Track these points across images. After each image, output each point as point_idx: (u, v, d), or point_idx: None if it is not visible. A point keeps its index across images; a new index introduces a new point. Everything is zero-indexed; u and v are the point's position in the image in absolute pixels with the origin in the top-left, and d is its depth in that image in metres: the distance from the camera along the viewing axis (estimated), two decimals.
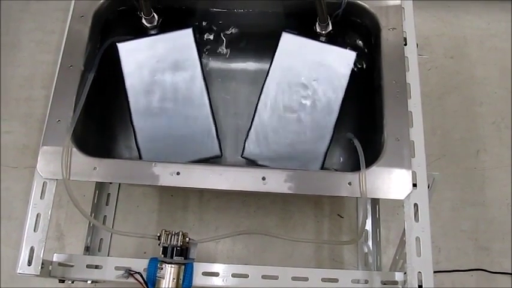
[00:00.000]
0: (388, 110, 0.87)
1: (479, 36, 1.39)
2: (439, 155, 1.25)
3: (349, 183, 0.81)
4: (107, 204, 1.19)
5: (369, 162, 0.83)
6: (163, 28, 1.00)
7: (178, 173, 0.82)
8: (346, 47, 0.98)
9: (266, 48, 1.04)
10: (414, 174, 0.83)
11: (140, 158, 0.96)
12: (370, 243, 1.15)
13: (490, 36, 1.39)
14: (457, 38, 1.39)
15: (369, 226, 1.16)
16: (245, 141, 0.97)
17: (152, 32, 1.00)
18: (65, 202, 1.20)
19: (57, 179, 0.82)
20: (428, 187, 0.83)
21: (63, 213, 1.20)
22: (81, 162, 0.83)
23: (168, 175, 0.82)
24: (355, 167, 1.00)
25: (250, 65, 1.10)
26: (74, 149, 0.84)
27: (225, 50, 1.08)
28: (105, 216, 1.18)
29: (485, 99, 1.32)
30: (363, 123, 0.99)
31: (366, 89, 0.98)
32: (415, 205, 0.81)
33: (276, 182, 0.81)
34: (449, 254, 1.17)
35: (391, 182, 0.82)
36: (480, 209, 1.21)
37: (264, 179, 0.81)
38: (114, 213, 1.19)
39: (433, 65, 1.34)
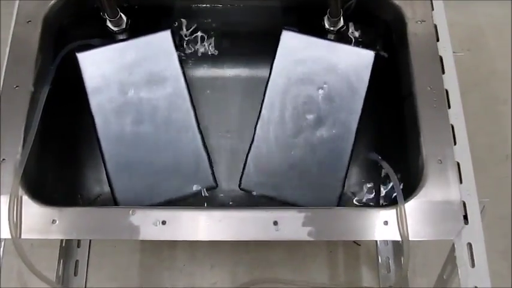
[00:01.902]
0: (425, 124, 0.69)
1: (496, 24, 1.23)
2: None
3: (385, 223, 0.64)
4: (78, 246, 0.99)
5: (404, 193, 0.66)
6: (134, 32, 0.80)
7: (164, 222, 0.63)
8: (360, 46, 0.80)
9: (262, 50, 0.85)
10: (463, 205, 0.66)
11: (113, 196, 0.76)
12: (392, 274, 0.98)
13: (509, 23, 1.23)
14: (472, 28, 1.22)
15: (390, 253, 0.99)
16: (243, 169, 0.78)
17: (120, 37, 0.80)
18: (27, 246, 0.99)
19: (4, 239, 0.63)
20: None
21: None
22: (36, 213, 0.64)
23: (150, 225, 0.63)
24: (371, 193, 0.84)
25: (244, 72, 0.90)
26: (25, 197, 0.64)
27: (212, 55, 0.89)
28: (77, 261, 0.98)
29: (509, 96, 1.16)
30: (387, 140, 0.82)
31: (389, 98, 0.80)
32: (469, 245, 0.64)
33: (292, 226, 0.63)
34: None
35: (437, 217, 0.64)
36: None
37: (276, 223, 0.63)
38: (88, 257, 0.99)
39: None
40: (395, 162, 0.72)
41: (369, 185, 0.84)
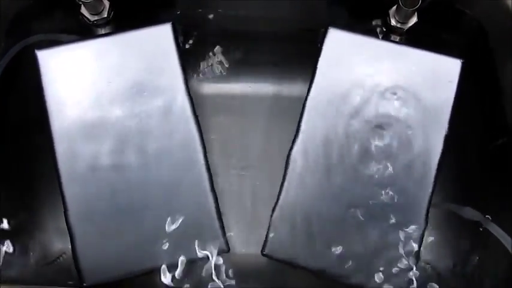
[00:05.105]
0: None
1: None
2: None
3: None
4: None
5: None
6: (120, 23, 0.57)
7: None
8: (440, 52, 0.56)
9: (298, 57, 0.62)
10: None
11: (75, 260, 0.51)
12: None
13: None
14: None
15: None
16: (269, 226, 0.53)
17: (100, 30, 0.57)
18: None
19: None
20: None
21: None
22: None
23: None
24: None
25: (271, 87, 0.65)
26: None
27: (227, 62, 0.65)
28: None
29: None
30: (482, 191, 0.57)
31: (483, 128, 0.56)
32: None
33: None
34: None
35: None
36: None
37: None
38: None
39: None
40: (503, 225, 0.48)
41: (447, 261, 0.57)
